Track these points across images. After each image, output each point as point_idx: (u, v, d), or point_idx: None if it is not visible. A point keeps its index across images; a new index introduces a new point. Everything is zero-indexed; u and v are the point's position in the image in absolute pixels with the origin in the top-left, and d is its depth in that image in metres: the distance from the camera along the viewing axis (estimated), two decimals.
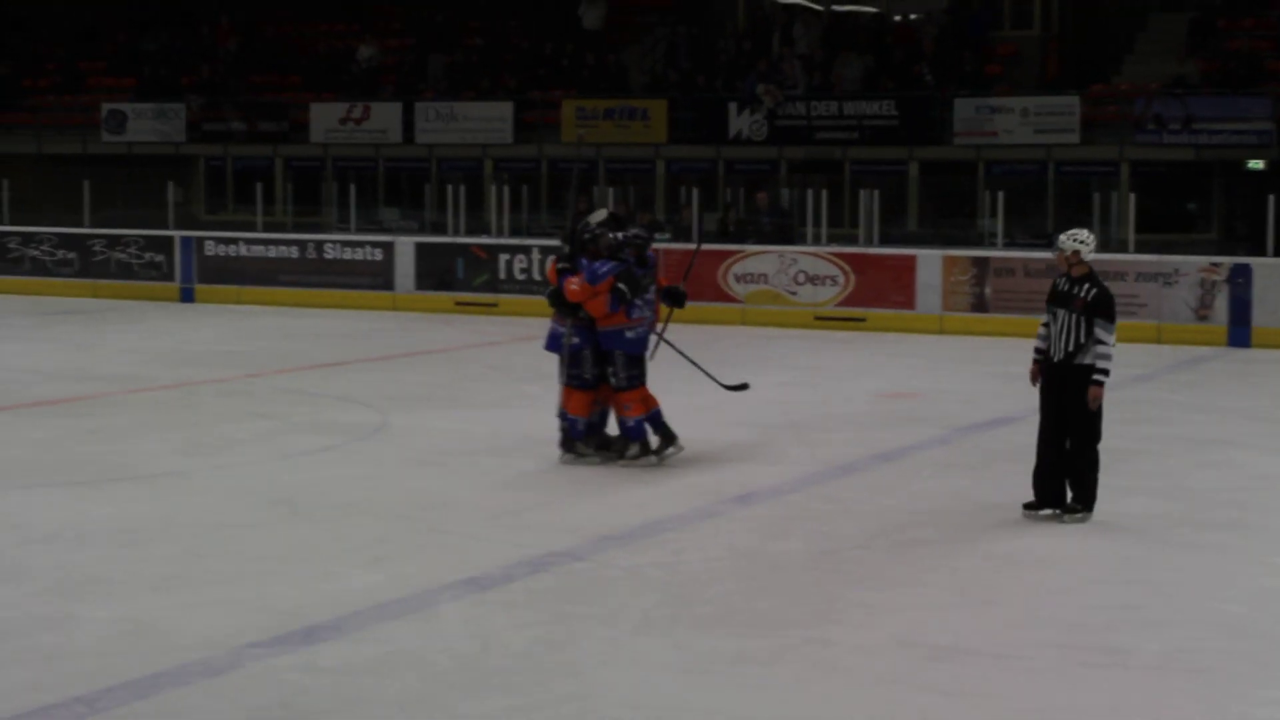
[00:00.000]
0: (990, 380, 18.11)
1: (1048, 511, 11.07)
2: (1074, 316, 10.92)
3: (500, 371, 18.83)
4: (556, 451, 13.21)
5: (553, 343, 13.20)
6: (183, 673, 7.59)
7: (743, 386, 14.05)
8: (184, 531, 10.61)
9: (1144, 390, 17.36)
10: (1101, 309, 10.92)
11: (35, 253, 29.53)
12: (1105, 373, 10.91)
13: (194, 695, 7.30)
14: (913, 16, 30.69)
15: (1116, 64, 29.54)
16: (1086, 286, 10.97)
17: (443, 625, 8.51)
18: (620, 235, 13.08)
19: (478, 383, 17.70)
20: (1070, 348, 10.91)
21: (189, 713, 7.07)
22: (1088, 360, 10.89)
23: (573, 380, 12.94)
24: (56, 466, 12.79)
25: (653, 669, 7.77)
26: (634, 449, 13.04)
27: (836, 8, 31.51)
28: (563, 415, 13.07)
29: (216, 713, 7.08)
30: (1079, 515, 11.01)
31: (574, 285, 12.79)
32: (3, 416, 15.03)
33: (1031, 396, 11.34)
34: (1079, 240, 11.11)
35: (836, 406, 16.25)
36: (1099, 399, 10.91)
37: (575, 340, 12.90)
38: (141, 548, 10.13)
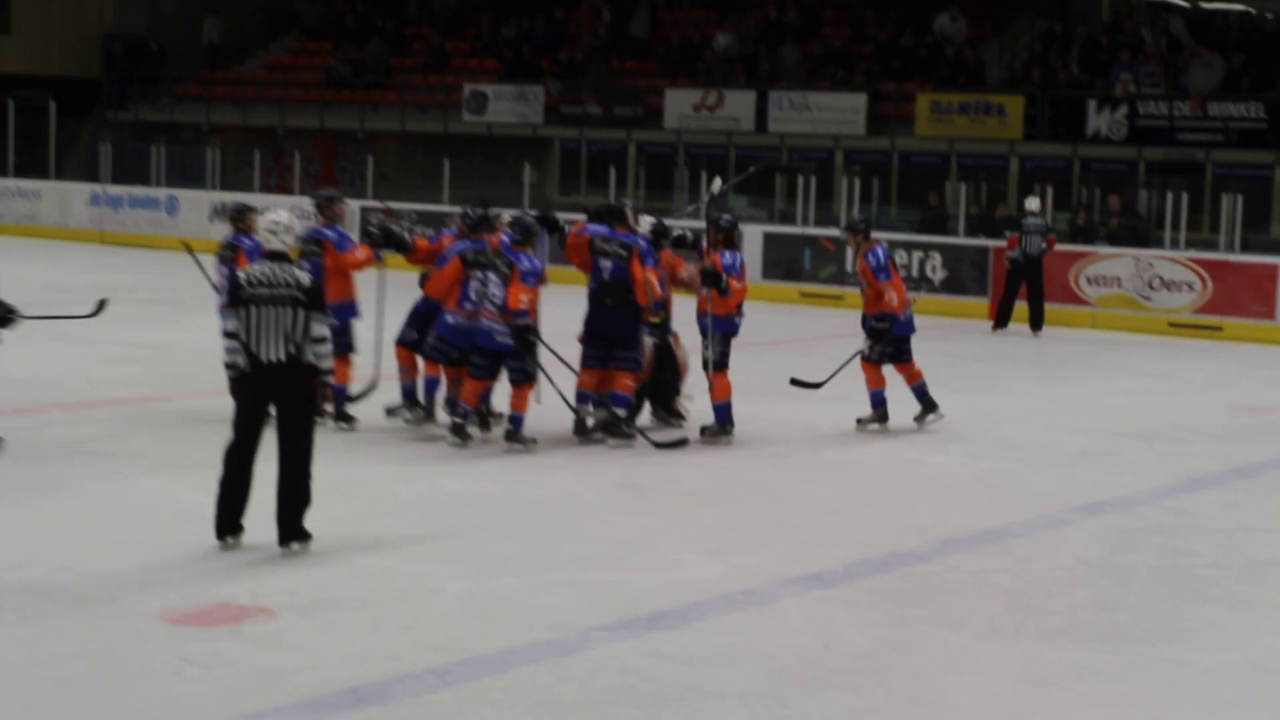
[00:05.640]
0: None
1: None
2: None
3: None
4: (892, 447, 13.27)
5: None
6: (531, 651, 7.74)
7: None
8: (533, 511, 10.84)
9: None
10: None
11: (395, 229, 30.37)
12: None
13: (541, 675, 7.44)
14: None
15: None
16: None
17: (785, 620, 8.53)
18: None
19: (821, 376, 17.65)
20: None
21: (537, 691, 7.21)
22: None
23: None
24: (411, 440, 13.16)
25: (998, 678, 7.67)
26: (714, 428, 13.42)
27: (1203, 5, 30.62)
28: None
29: (563, 694, 7.20)
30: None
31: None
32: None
33: None
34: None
35: (1190, 417, 15.81)
36: None
37: None
38: (492, 525, 10.37)
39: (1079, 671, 7.78)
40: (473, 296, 12.89)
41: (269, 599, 8.44)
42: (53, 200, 34.34)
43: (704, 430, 13.49)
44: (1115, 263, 23.66)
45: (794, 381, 14.73)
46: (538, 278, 12.72)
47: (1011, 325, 22.56)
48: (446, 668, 7.46)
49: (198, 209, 32.49)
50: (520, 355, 12.72)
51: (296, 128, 37.09)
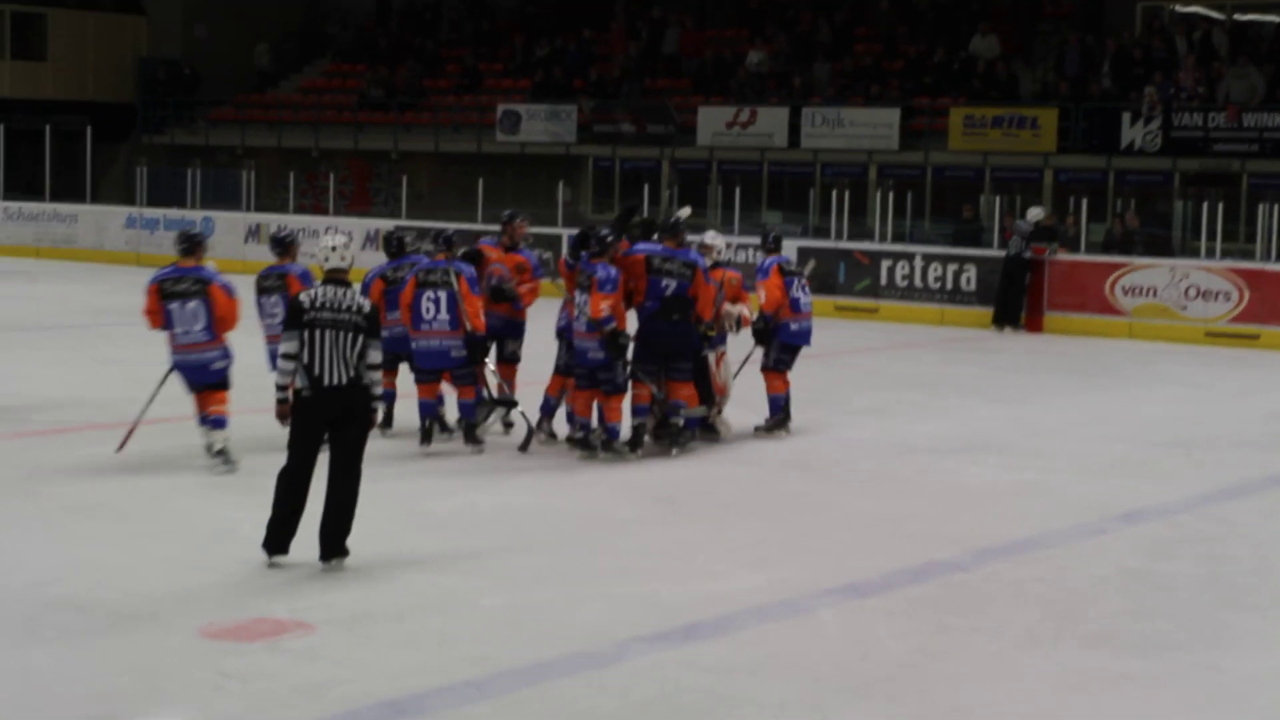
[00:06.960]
0: None
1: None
2: None
3: (878, 377, 18.77)
4: (929, 458, 13.27)
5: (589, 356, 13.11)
6: (568, 663, 7.75)
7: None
8: (569, 524, 10.84)
9: None
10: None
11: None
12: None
13: (578, 687, 7.45)
14: None
15: None
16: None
17: (823, 630, 8.52)
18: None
19: (856, 389, 17.66)
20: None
21: (574, 703, 7.22)
22: None
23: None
24: (445, 455, 13.18)
25: (1037, 686, 7.64)
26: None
27: (1238, 17, 30.53)
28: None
29: (601, 705, 7.20)
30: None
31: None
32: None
33: None
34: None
35: (1227, 426, 15.75)
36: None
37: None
38: (527, 538, 10.36)
39: (1117, 679, 7.75)
40: (425, 315, 13.12)
41: (307, 614, 8.45)
42: (89, 223, 34.50)
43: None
44: (1151, 273, 23.59)
45: None
46: (615, 285, 12.79)
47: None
48: (483, 680, 7.47)
49: (233, 230, 32.59)
50: (611, 367, 12.89)
51: (331, 149, 37.21)
